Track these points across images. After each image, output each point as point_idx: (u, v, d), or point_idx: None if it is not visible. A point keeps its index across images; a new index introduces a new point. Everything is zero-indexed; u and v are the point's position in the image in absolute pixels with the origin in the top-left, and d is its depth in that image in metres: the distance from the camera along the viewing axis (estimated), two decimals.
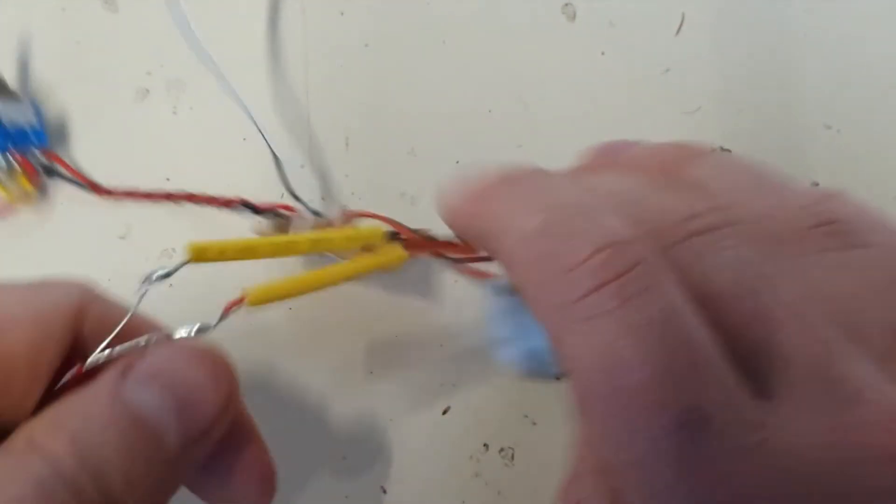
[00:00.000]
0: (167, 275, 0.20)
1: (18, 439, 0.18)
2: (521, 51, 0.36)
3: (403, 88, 0.36)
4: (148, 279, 0.21)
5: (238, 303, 0.21)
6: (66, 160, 0.36)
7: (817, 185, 0.33)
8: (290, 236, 0.22)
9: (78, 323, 0.20)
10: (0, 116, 0.34)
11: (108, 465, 0.17)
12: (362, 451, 0.32)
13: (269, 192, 0.34)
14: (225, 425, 0.20)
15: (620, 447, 0.14)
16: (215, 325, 0.20)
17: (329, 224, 0.31)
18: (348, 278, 0.23)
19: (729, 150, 0.34)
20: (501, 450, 0.31)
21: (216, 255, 0.20)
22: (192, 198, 0.34)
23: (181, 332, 0.20)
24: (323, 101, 0.37)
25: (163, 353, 0.19)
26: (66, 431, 0.18)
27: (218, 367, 0.20)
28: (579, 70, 0.35)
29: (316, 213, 0.32)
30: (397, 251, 0.22)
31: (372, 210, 0.33)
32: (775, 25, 0.34)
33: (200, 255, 0.20)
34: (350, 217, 0.32)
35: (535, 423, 0.31)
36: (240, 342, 0.23)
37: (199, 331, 0.20)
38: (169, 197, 0.34)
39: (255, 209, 0.33)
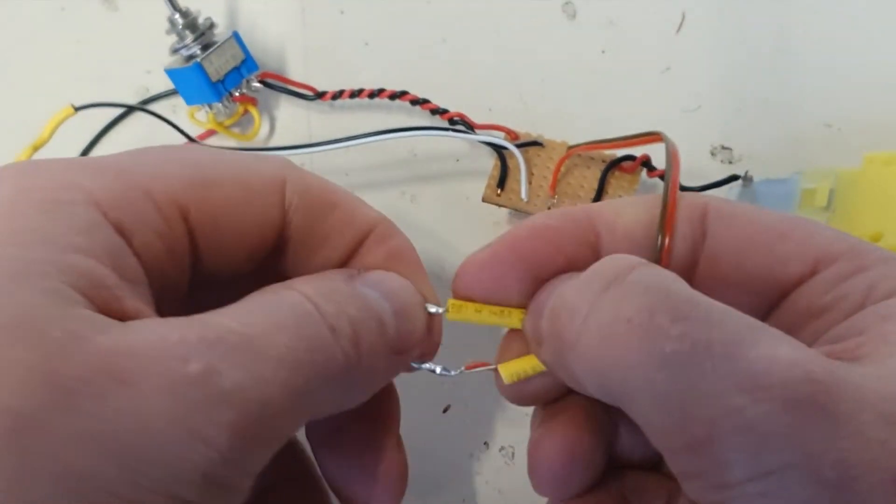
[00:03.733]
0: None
1: (274, 285, 0.19)
2: (521, 49, 0.36)
3: (403, 87, 0.36)
4: None
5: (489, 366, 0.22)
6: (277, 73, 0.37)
7: None
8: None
9: (282, 191, 0.21)
10: (207, 73, 0.34)
11: (348, 320, 0.19)
12: None
13: None
14: (426, 352, 0.22)
15: None
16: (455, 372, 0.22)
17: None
18: None
19: (729, 149, 0.34)
20: (502, 448, 0.31)
21: (472, 315, 0.21)
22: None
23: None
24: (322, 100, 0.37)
25: (380, 273, 0.21)
26: (315, 286, 0.19)
27: (421, 299, 0.21)
28: (579, 68, 0.35)
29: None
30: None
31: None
32: (775, 25, 0.34)
33: (457, 312, 0.21)
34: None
35: None
36: None
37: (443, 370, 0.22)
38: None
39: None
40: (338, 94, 0.35)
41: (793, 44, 0.34)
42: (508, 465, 0.31)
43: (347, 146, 0.32)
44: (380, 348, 0.20)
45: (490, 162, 0.33)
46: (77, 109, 0.33)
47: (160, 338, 0.16)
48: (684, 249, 0.20)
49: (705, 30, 0.35)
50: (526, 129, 0.34)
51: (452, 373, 0.22)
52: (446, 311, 0.21)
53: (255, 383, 0.16)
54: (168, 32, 0.34)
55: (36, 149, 0.33)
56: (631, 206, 0.21)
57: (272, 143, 0.37)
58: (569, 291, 0.18)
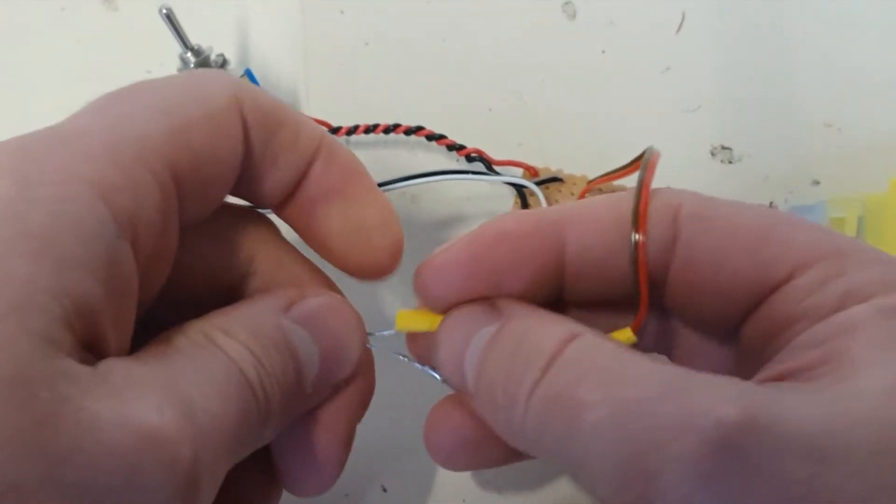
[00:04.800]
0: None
1: (194, 334, 0.19)
2: (521, 49, 0.36)
3: (403, 87, 0.36)
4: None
5: None
6: None
7: (818, 183, 0.33)
8: None
9: (241, 115, 0.20)
10: None
11: (272, 380, 0.19)
12: (363, 450, 0.32)
13: None
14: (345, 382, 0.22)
15: None
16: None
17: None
18: None
19: (729, 149, 0.34)
20: None
21: (422, 324, 0.21)
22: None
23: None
24: (323, 100, 0.37)
25: (319, 301, 0.21)
26: (241, 342, 0.19)
27: (357, 330, 0.22)
28: (579, 68, 0.35)
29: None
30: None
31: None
32: (775, 24, 0.34)
33: (405, 323, 0.21)
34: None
35: None
36: None
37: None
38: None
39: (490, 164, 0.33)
40: (352, 130, 0.34)
41: (793, 44, 0.34)
42: (508, 465, 0.31)
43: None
44: (296, 397, 0.20)
45: (510, 199, 0.33)
46: None
47: (145, 413, 0.16)
48: (654, 252, 0.19)
49: (705, 30, 0.35)
50: (527, 133, 0.34)
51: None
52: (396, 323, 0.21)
53: (213, 457, 0.17)
54: (179, 70, 0.33)
55: None
56: (597, 208, 0.20)
57: None
58: (500, 376, 0.18)
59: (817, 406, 0.15)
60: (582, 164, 0.34)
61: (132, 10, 0.39)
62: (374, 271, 0.22)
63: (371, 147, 0.36)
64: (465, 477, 0.31)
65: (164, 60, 0.35)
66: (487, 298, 0.20)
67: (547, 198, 0.32)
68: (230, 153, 0.20)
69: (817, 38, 0.34)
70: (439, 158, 0.35)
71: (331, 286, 0.23)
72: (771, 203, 0.31)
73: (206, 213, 0.21)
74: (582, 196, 0.31)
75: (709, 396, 0.15)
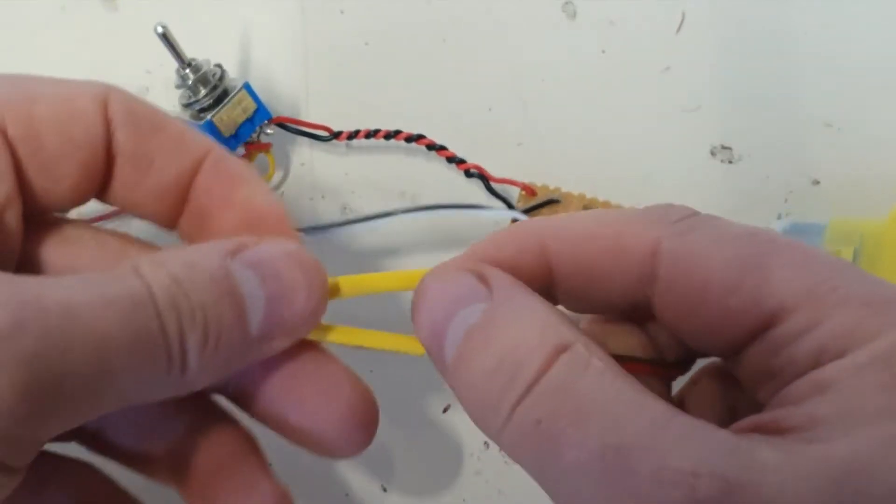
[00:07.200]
0: None
1: (123, 265, 0.18)
2: (521, 49, 0.36)
3: (403, 86, 0.36)
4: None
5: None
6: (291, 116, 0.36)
7: (818, 183, 0.32)
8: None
9: (105, 108, 0.21)
10: (219, 130, 0.33)
11: (196, 314, 0.18)
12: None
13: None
14: (305, 332, 0.21)
15: None
16: None
17: None
18: None
19: (729, 149, 0.34)
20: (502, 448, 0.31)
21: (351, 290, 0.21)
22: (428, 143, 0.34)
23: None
24: (323, 100, 0.37)
25: (273, 247, 0.20)
26: (168, 270, 0.18)
27: (314, 278, 0.20)
28: (579, 68, 0.35)
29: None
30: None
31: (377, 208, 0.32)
32: (775, 24, 0.34)
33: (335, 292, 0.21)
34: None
35: None
36: None
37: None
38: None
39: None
40: (353, 135, 0.34)
41: (793, 44, 0.34)
42: (508, 465, 0.31)
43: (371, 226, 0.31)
44: (237, 340, 0.19)
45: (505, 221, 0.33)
46: None
47: None
48: (632, 286, 0.19)
49: (705, 30, 0.35)
50: (527, 132, 0.34)
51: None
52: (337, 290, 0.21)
53: (60, 353, 0.16)
54: (178, 87, 0.33)
55: None
56: (582, 223, 0.20)
57: (286, 185, 0.37)
58: (483, 378, 0.17)
59: (788, 471, 0.15)
60: (582, 164, 0.34)
61: (132, 10, 0.39)
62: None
63: (371, 152, 0.36)
64: (465, 477, 0.31)
65: (163, 60, 0.35)
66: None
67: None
68: (84, 137, 0.20)
69: (817, 38, 0.34)
70: (439, 167, 0.35)
71: (291, 236, 0.23)
72: (779, 215, 0.31)
73: (68, 198, 0.21)
74: None
75: (689, 453, 0.15)
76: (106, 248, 0.22)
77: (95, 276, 0.18)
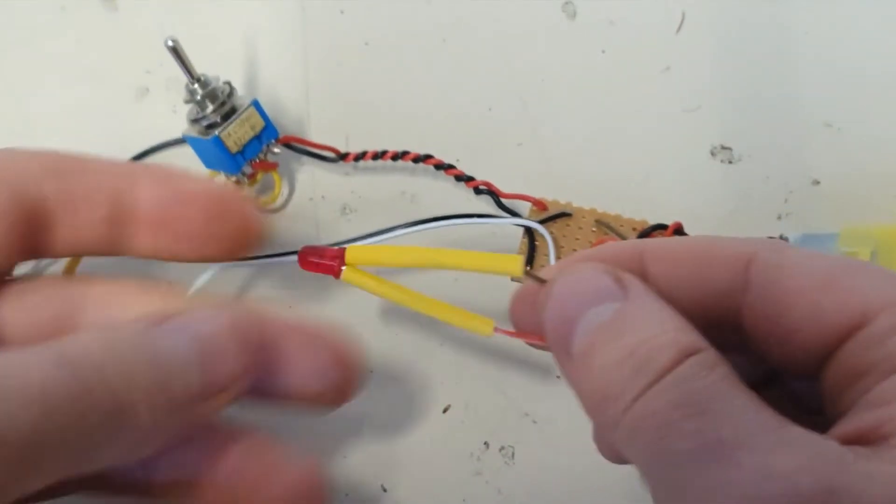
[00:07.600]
0: None
1: (43, 345, 0.19)
2: (521, 49, 0.36)
3: (403, 87, 0.36)
4: None
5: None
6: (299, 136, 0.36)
7: (818, 183, 0.33)
8: (436, 250, 0.22)
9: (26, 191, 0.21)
10: (226, 146, 0.33)
11: (125, 381, 0.18)
12: (362, 450, 0.32)
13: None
14: (246, 384, 0.21)
15: None
16: None
17: None
18: (455, 267, 0.23)
19: (729, 149, 0.34)
20: (502, 448, 0.31)
21: (371, 260, 0.22)
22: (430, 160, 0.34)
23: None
24: (323, 100, 0.37)
25: (201, 313, 0.21)
26: (83, 341, 0.18)
27: (240, 331, 0.21)
28: (579, 68, 0.35)
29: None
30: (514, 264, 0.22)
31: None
32: (775, 24, 0.34)
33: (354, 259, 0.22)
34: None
35: (535, 422, 0.31)
36: None
37: None
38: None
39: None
40: (360, 156, 0.34)
41: (793, 44, 0.34)
42: (508, 465, 0.31)
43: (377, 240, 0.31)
44: (173, 404, 0.19)
45: (517, 236, 0.33)
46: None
47: None
48: (721, 299, 0.20)
49: (705, 30, 0.35)
50: (527, 133, 0.34)
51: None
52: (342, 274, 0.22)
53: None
54: (186, 102, 0.33)
55: None
56: (678, 239, 0.21)
57: (292, 204, 0.36)
58: (615, 374, 0.18)
59: (883, 478, 0.15)
60: (582, 164, 0.34)
61: (132, 10, 0.39)
62: None
63: (378, 172, 0.36)
64: (465, 477, 0.31)
65: (163, 60, 0.35)
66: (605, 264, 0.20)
67: (555, 238, 0.32)
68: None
69: (817, 38, 0.34)
70: (447, 186, 0.35)
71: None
72: (781, 235, 0.31)
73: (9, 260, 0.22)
74: (596, 245, 0.31)
75: (796, 457, 0.16)
76: (68, 301, 0.22)
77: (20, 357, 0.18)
